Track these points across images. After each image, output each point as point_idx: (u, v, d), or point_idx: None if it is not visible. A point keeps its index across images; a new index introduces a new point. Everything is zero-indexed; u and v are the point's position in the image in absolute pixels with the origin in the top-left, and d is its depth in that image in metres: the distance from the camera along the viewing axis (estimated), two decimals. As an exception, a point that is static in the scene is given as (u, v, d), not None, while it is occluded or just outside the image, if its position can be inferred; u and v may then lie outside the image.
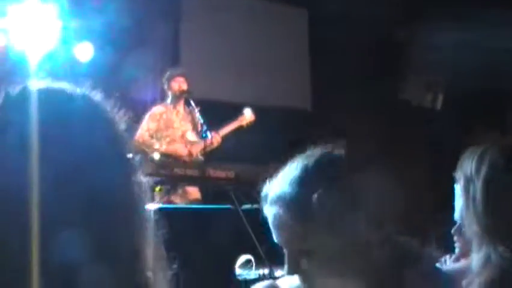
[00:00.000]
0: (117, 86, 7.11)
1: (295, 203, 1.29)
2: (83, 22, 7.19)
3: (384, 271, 1.28)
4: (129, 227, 0.85)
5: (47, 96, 0.89)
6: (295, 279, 1.35)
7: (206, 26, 7.54)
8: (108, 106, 0.95)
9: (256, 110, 6.49)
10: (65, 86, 0.93)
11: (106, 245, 0.82)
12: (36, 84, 0.91)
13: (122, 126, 0.94)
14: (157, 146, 5.81)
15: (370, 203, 1.29)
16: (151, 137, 5.91)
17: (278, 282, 1.43)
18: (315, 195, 1.25)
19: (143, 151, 5.83)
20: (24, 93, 0.89)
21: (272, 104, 7.71)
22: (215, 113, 6.40)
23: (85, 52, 7.29)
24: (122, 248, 0.83)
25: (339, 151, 1.38)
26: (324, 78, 7.89)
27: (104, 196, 0.84)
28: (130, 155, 0.93)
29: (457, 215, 1.57)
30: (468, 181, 1.47)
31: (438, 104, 7.81)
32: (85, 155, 0.85)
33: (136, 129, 5.90)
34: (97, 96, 0.95)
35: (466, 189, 1.47)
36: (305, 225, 1.28)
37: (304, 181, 1.31)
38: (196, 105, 6.03)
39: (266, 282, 1.37)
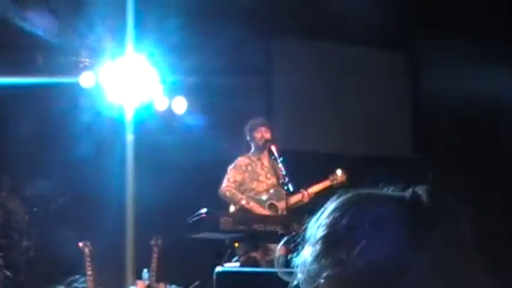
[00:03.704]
0: (210, 139, 7.22)
1: None
2: (178, 77, 7.30)
3: None
4: None
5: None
6: None
7: (297, 77, 7.39)
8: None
9: (353, 160, 6.19)
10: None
11: None
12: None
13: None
14: (243, 202, 5.60)
15: None
16: (236, 189, 5.73)
17: None
18: None
19: (228, 203, 5.68)
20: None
21: (371, 153, 7.37)
22: (309, 164, 6.19)
23: (179, 106, 7.36)
24: None
25: None
26: (427, 122, 7.47)
27: None
28: None
29: None
30: None
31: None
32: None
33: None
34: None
35: None
36: None
37: None
38: (288, 156, 5.79)
39: None
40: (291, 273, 1.01)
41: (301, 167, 6.08)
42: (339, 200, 0.97)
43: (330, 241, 0.91)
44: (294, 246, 1.02)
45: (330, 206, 0.97)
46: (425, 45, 7.28)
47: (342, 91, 7.58)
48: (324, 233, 0.93)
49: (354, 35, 7.32)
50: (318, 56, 7.53)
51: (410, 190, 0.96)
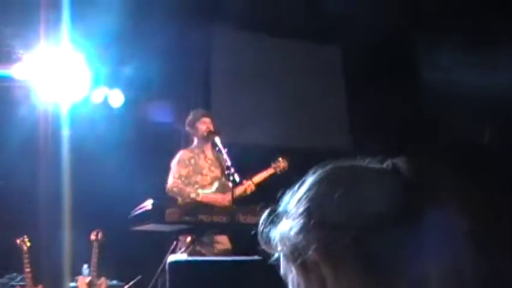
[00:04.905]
0: (148, 131, 7.14)
1: None
2: (114, 69, 7.18)
3: None
4: None
5: None
6: None
7: (236, 69, 7.38)
8: None
9: (291, 152, 6.23)
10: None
11: None
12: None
13: None
14: (193, 195, 5.55)
15: None
16: (183, 184, 5.68)
17: None
18: None
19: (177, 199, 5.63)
20: None
21: (308, 145, 7.45)
22: (251, 157, 6.20)
23: (116, 98, 7.24)
24: None
25: None
26: (363, 115, 7.61)
27: None
28: None
29: None
30: None
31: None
32: None
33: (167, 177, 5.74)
34: None
35: None
36: None
37: None
38: (228, 148, 5.75)
39: None
40: (270, 246, 0.96)
41: (242, 160, 6.07)
42: (318, 173, 0.95)
43: (315, 215, 0.88)
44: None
45: (309, 179, 0.94)
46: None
47: (283, 84, 7.62)
48: (306, 206, 0.90)
49: (293, 28, 7.39)
50: (259, 49, 7.55)
51: (389, 162, 0.95)
